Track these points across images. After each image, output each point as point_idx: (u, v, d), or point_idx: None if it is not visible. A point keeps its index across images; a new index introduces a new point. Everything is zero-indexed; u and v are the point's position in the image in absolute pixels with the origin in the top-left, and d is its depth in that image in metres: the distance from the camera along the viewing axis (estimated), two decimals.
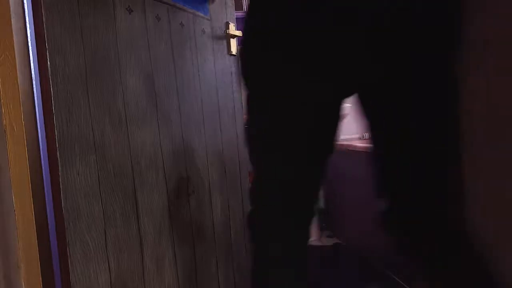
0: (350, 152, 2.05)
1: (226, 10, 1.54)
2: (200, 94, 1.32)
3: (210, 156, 1.34)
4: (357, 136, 2.58)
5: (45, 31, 0.80)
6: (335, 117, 0.79)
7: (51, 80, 0.80)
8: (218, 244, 1.35)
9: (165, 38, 1.17)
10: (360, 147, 2.05)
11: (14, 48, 0.75)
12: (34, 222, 0.77)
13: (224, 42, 1.51)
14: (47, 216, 0.81)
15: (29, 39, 0.79)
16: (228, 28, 1.51)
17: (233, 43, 1.54)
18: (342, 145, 2.09)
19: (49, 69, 0.80)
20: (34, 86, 0.80)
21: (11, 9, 0.75)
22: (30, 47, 0.79)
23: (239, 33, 1.53)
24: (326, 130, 0.79)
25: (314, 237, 2.40)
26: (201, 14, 1.37)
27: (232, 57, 1.56)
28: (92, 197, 0.89)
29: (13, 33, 0.75)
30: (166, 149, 1.12)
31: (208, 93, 1.36)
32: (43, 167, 0.81)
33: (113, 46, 0.97)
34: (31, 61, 0.80)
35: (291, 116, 0.74)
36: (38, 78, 0.81)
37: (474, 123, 0.68)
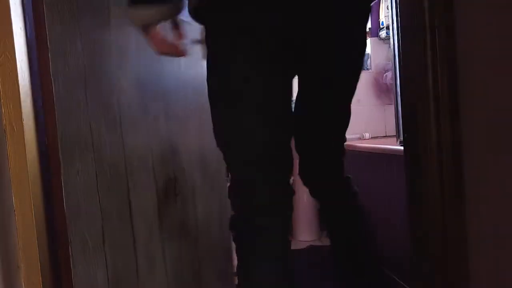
0: (349, 152, 2.05)
1: None
2: (187, 98, 1.32)
3: (194, 157, 1.35)
4: (357, 136, 2.58)
5: (46, 31, 0.80)
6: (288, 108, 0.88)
7: (53, 80, 0.80)
8: (200, 243, 1.36)
9: None
10: (360, 148, 2.06)
11: (14, 48, 0.75)
12: (34, 222, 0.77)
13: None
14: (47, 216, 0.81)
15: (29, 39, 0.79)
16: None
17: None
18: None
19: (50, 69, 0.80)
20: (34, 86, 0.80)
21: (11, 9, 0.75)
22: (30, 47, 0.79)
23: None
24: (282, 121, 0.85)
25: (314, 237, 2.40)
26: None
27: None
28: (91, 196, 0.89)
29: (13, 33, 0.75)
30: (155, 150, 1.13)
31: (194, 96, 1.36)
32: (43, 167, 0.82)
33: (108, 48, 0.98)
34: (31, 61, 0.80)
35: (250, 113, 0.82)
36: (38, 78, 0.81)
37: (474, 127, 0.68)
